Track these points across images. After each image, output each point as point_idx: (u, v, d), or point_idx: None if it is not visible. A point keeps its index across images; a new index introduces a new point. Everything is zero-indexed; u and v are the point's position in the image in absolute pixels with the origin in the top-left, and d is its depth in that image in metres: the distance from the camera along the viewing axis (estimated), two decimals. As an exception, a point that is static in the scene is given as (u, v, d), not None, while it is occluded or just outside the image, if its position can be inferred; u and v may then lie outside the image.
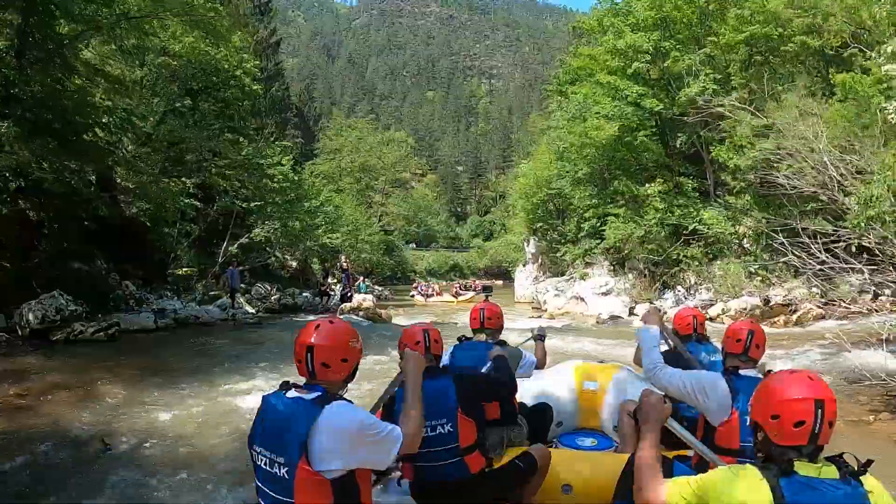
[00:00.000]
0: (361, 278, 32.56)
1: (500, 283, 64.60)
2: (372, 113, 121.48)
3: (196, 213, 21.05)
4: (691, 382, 3.26)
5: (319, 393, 2.47)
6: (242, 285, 22.87)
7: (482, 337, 4.66)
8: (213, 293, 20.12)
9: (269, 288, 23.62)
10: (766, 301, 20.16)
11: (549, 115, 40.03)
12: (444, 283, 57.16)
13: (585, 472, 4.12)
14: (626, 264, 26.69)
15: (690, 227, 22.47)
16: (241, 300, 20.63)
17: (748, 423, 2.28)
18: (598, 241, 27.86)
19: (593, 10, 28.52)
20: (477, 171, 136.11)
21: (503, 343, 4.59)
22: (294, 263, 31.72)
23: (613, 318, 21.44)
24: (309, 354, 2.52)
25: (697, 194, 23.80)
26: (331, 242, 32.21)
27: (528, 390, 5.26)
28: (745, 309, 20.00)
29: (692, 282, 23.51)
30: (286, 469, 2.35)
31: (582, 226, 28.81)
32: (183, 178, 19.83)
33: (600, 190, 27.89)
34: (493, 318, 4.75)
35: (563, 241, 31.23)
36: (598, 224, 27.54)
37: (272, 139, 27.72)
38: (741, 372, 3.40)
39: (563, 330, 17.94)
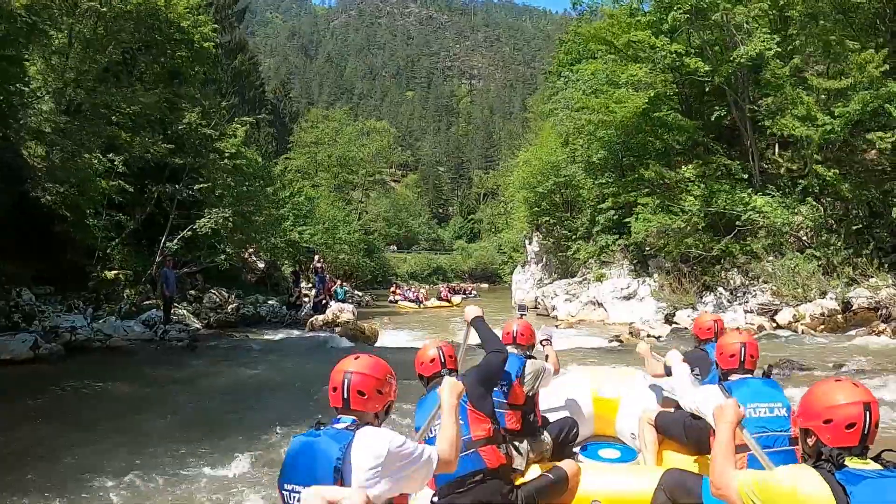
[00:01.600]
0: (339, 282, 28.17)
1: (485, 286, 62.30)
2: (350, 112, 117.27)
3: (129, 199, 16.59)
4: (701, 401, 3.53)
5: (350, 421, 2.45)
6: (192, 291, 18.39)
7: (513, 352, 4.57)
8: (148, 302, 15.58)
9: (226, 295, 19.01)
10: (847, 305, 16.18)
11: (550, 98, 36.10)
12: (427, 286, 53.30)
13: (613, 487, 4.07)
14: (651, 263, 22.73)
15: (744, 217, 18.36)
16: (184, 311, 16.07)
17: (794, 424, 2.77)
18: (617, 236, 23.88)
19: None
20: (459, 171, 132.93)
21: (533, 358, 4.70)
22: (262, 265, 27.24)
23: (676, 330, 17.00)
24: (346, 381, 2.50)
25: (746, 177, 19.73)
26: (301, 239, 27.42)
27: (545, 397, 5.00)
28: (822, 314, 16.06)
29: (738, 282, 19.51)
30: None
31: (597, 219, 24.78)
32: (110, 155, 15.25)
33: (618, 177, 23.84)
34: (526, 334, 4.82)
35: (573, 237, 27.09)
36: (616, 216, 23.56)
37: (231, 114, 22.98)
38: (731, 378, 3.64)
39: (623, 352, 13.38)
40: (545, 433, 4.54)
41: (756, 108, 19.74)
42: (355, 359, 2.57)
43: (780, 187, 19.15)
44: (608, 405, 5.57)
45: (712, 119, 20.91)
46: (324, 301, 21.21)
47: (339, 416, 2.48)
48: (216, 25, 22.23)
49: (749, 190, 19.17)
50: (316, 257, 24.89)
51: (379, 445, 2.33)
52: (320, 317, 17.25)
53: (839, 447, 2.14)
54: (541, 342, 5.22)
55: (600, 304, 23.13)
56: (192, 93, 17.82)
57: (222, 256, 17.78)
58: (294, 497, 2.32)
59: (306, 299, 23.14)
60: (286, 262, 27.68)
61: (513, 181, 35.03)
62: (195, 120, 16.68)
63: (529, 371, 4.48)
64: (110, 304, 14.59)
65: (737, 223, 18.82)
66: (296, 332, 17.09)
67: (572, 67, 29.38)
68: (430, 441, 2.95)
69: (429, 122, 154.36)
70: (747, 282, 19.37)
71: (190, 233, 16.81)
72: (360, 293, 36.32)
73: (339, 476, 2.25)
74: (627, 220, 21.44)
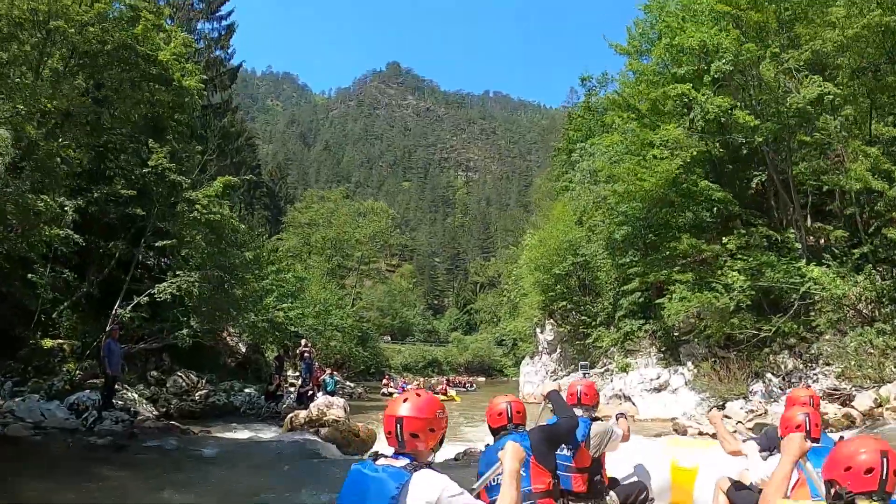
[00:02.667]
0: (329, 371, 25.15)
1: (482, 379, 59.59)
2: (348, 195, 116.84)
3: (92, 255, 13.93)
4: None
5: (409, 460, 2.53)
6: (154, 373, 15.48)
7: (579, 412, 4.65)
8: (94, 381, 12.60)
9: (195, 380, 15.99)
10: (934, 387, 13.49)
11: (560, 176, 34.22)
12: (422, 379, 50.48)
13: None
14: (683, 349, 20.07)
15: (802, 290, 15.78)
16: (136, 395, 13.07)
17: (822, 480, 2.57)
18: (643, 320, 21.26)
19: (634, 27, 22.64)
20: (455, 262, 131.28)
21: (598, 419, 4.80)
22: (244, 348, 24.36)
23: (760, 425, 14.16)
24: (398, 425, 2.59)
25: (799, 247, 17.32)
26: (286, 319, 24.34)
27: (617, 463, 5.01)
28: (906, 397, 13.37)
29: (791, 366, 16.82)
30: None
31: (620, 302, 22.19)
32: (60, 199, 12.53)
33: (642, 256, 21.34)
34: (590, 394, 4.99)
35: (592, 323, 24.41)
36: (643, 298, 21.05)
37: (214, 171, 20.40)
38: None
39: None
40: (611, 493, 4.71)
41: (800, 169, 17.61)
42: (404, 401, 2.66)
43: (836, 256, 16.75)
44: (686, 475, 5.50)
45: (753, 184, 18.75)
46: (310, 392, 18.21)
47: (397, 454, 2.58)
48: (205, 77, 20.31)
49: (802, 261, 16.73)
50: (303, 341, 22.01)
51: (433, 490, 2.41)
52: (302, 413, 13.95)
53: (859, 492, 2.23)
54: (616, 416, 5.28)
55: (627, 398, 20.37)
56: (162, 134, 15.23)
57: (185, 331, 14.66)
58: None
59: (291, 389, 20.21)
60: (271, 345, 24.68)
61: (523, 264, 32.55)
62: (163, 163, 14.04)
63: (595, 433, 4.58)
64: (40, 378, 11.64)
65: (794, 298, 16.21)
66: (270, 432, 13.89)
67: (586, 142, 27.60)
68: (492, 489, 3.25)
69: (425, 212, 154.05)
70: (801, 365, 16.76)
71: (147, 299, 13.86)
72: (351, 384, 33.27)
73: None
74: (659, 301, 18.84)
